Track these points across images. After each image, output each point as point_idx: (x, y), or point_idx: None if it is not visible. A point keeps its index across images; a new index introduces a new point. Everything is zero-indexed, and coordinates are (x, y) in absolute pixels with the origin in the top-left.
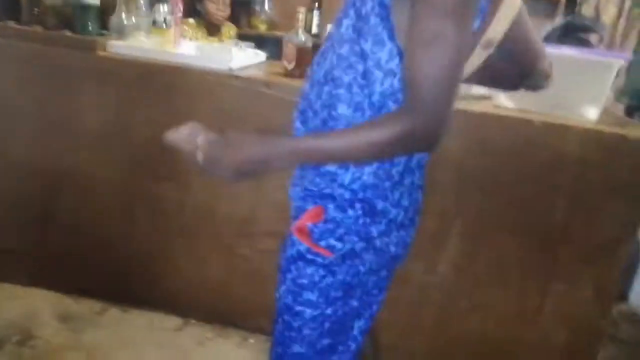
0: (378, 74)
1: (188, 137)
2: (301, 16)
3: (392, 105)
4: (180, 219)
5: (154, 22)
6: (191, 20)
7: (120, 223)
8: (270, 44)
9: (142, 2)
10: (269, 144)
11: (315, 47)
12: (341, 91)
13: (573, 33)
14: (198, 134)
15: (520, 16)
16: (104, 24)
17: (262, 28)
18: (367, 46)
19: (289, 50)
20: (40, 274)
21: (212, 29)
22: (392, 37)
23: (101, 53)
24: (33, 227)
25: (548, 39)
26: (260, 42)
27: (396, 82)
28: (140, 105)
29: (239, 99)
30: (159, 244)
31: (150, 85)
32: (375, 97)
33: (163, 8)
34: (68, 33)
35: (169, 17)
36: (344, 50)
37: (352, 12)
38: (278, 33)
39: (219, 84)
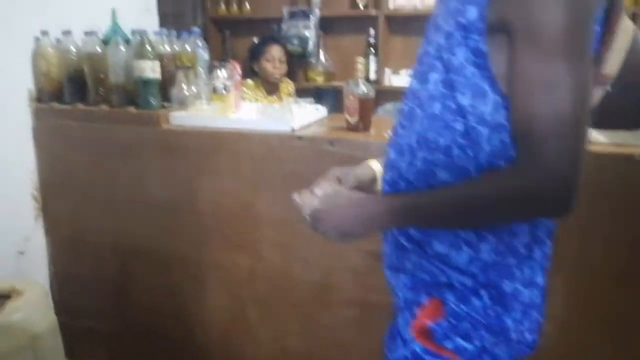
0: (483, 131)
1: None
2: (360, 66)
3: (504, 165)
4: (253, 288)
5: (214, 89)
6: (249, 81)
7: (193, 295)
8: (329, 96)
9: (201, 70)
10: (370, 203)
11: (377, 94)
12: (439, 156)
13: None
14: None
15: (636, 43)
16: (166, 96)
17: (320, 80)
18: (466, 101)
19: (350, 102)
20: (120, 350)
21: (271, 88)
22: (494, 87)
23: (164, 126)
24: (110, 304)
25: None
26: (319, 94)
27: (507, 138)
28: (206, 174)
29: (303, 159)
30: (234, 314)
31: (214, 154)
32: (483, 158)
33: (222, 73)
34: (132, 109)
35: (228, 82)
36: (436, 108)
37: (439, 65)
38: (336, 83)
39: (282, 146)
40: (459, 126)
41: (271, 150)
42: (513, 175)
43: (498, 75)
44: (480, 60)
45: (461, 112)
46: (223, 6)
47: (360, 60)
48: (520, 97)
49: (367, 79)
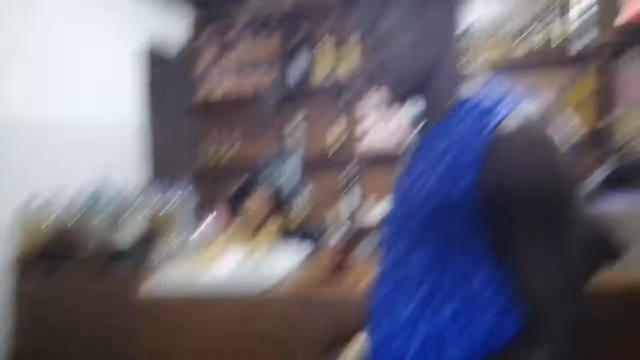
0: (483, 301)
1: None
2: (339, 211)
3: (513, 330)
4: None
5: (198, 241)
6: (235, 225)
7: None
8: (313, 233)
9: (185, 222)
10: None
11: (358, 230)
12: (447, 327)
13: (630, 176)
14: None
15: None
16: (147, 254)
17: (302, 219)
18: (462, 270)
19: (326, 255)
20: None
21: (255, 229)
22: (491, 257)
23: (138, 293)
24: None
25: (605, 184)
26: (302, 233)
27: (512, 306)
28: (182, 336)
29: (278, 317)
30: None
31: (187, 317)
32: (488, 328)
33: (206, 223)
34: (108, 273)
35: (212, 232)
36: (433, 278)
37: (431, 238)
38: (320, 220)
39: (258, 305)
40: (461, 294)
41: (245, 311)
42: (530, 352)
43: (498, 247)
44: (474, 229)
45: (460, 280)
46: (208, 154)
47: (340, 206)
48: (521, 273)
49: (346, 216)
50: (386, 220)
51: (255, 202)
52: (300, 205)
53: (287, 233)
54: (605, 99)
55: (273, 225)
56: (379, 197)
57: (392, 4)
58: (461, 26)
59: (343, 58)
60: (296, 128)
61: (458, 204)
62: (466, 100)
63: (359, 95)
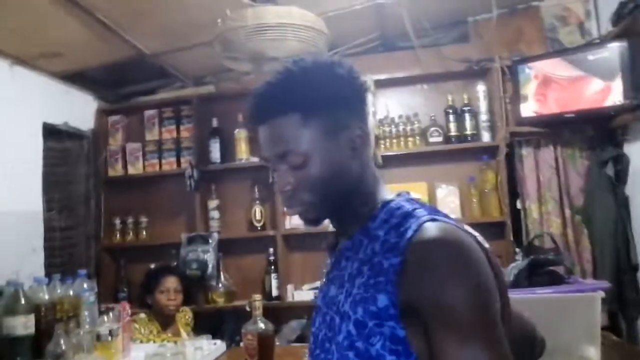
0: None
1: None
2: (257, 304)
3: None
4: None
5: (99, 337)
6: (142, 316)
7: None
8: (231, 318)
9: (85, 316)
10: None
11: (281, 310)
12: None
13: (540, 269)
14: None
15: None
16: (40, 352)
17: (221, 302)
18: None
19: (249, 342)
20: None
21: (166, 321)
22: None
23: None
24: None
25: (517, 281)
26: (220, 316)
27: None
28: None
29: None
30: None
31: None
32: None
33: (108, 317)
34: None
35: (115, 326)
36: None
37: (351, 355)
38: (238, 303)
39: None
40: None
41: None
42: None
43: (421, 357)
44: (399, 346)
45: None
46: (118, 235)
47: (257, 297)
48: None
49: (270, 296)
50: (315, 311)
51: (166, 291)
52: (216, 291)
53: (203, 317)
54: (508, 192)
55: (186, 315)
56: (302, 279)
57: (302, 134)
58: (371, 133)
59: None
60: (215, 209)
61: (380, 314)
62: (385, 204)
63: None
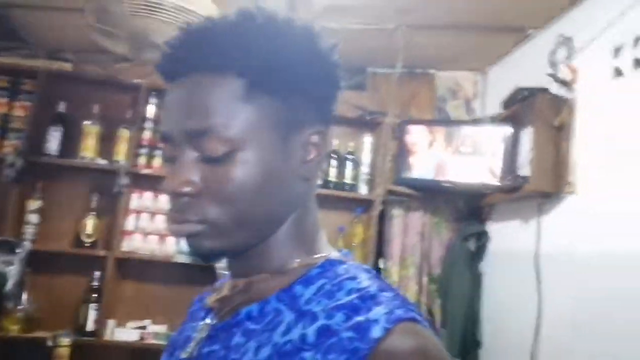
0: None
1: None
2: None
3: None
4: None
5: None
6: None
7: None
8: (27, 353)
9: None
10: None
11: (95, 349)
12: None
13: None
14: None
15: None
16: None
17: (16, 330)
18: None
19: None
20: None
21: None
22: None
23: None
24: None
25: None
26: (12, 350)
27: None
28: None
29: None
30: None
31: None
32: None
33: None
34: None
35: None
36: None
37: None
38: (40, 334)
39: None
40: None
41: None
42: None
43: None
44: None
45: None
46: None
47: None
48: None
49: (83, 331)
50: None
51: None
52: (12, 315)
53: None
54: (377, 248)
55: None
56: (128, 315)
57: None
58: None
59: (119, 142)
60: (35, 211)
61: None
62: (328, 264)
63: (128, 189)
